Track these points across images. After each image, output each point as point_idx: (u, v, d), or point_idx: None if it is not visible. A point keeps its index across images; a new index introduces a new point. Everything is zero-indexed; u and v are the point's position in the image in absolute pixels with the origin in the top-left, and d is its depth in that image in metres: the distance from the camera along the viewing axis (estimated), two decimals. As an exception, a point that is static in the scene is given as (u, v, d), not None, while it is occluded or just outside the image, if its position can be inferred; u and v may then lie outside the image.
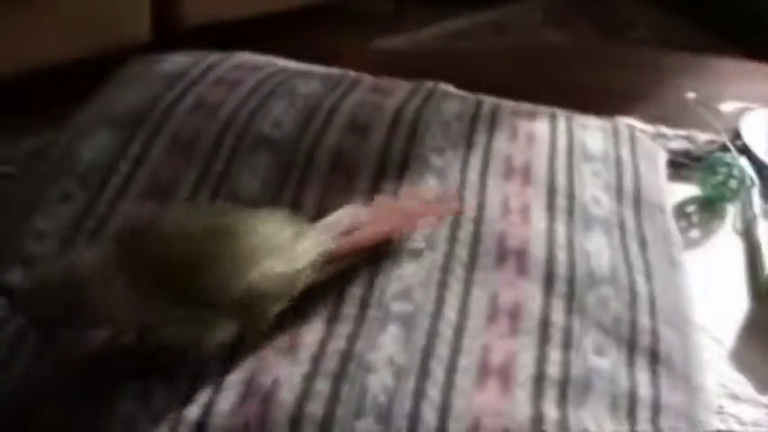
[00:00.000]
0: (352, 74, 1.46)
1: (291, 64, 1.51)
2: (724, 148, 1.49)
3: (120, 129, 1.26)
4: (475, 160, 1.24)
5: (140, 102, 1.31)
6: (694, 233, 1.35)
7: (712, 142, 1.52)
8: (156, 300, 0.91)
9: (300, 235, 1.01)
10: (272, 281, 0.96)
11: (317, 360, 0.96)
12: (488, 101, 1.41)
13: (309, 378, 0.95)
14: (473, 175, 1.21)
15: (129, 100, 1.32)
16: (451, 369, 0.97)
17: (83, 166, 1.21)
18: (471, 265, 1.09)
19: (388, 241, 1.09)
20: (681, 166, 1.47)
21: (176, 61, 1.42)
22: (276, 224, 1.01)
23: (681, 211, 1.38)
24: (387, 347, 0.98)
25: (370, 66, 1.56)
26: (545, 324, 1.04)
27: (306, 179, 1.19)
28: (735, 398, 1.07)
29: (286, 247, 0.99)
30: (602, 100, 1.68)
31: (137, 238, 0.94)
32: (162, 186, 1.18)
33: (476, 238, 1.12)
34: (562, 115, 1.40)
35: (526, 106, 1.43)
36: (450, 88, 1.46)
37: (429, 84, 1.44)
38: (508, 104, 1.41)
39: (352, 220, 1.07)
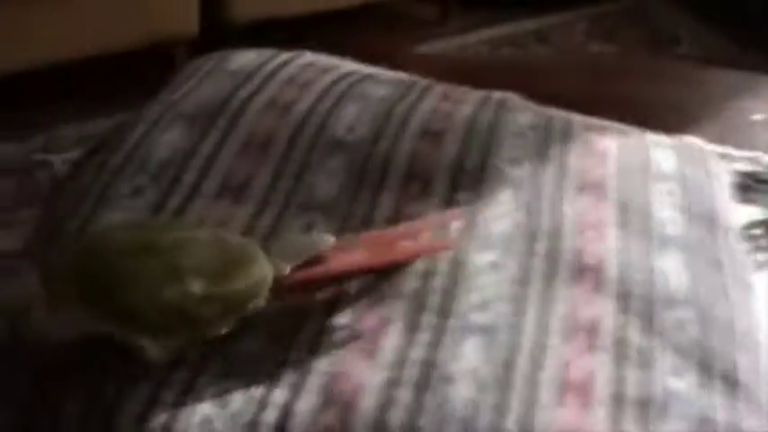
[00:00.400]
0: (422, 80, 1.45)
1: (357, 66, 1.50)
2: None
3: (193, 125, 1.26)
4: (549, 173, 1.23)
5: (213, 98, 1.31)
6: (760, 256, 1.34)
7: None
8: (82, 317, 0.92)
9: (251, 257, 0.99)
10: (200, 301, 0.94)
11: (398, 368, 0.96)
12: (559, 114, 1.40)
13: (391, 386, 0.94)
14: (547, 188, 1.21)
15: (201, 96, 1.32)
16: (532, 383, 0.96)
17: (155, 161, 1.20)
18: (549, 279, 1.08)
19: (352, 276, 1.06)
20: (746, 187, 1.46)
21: (247, 58, 1.42)
22: (218, 244, 0.99)
23: (746, 233, 1.37)
24: (468, 359, 0.97)
25: (428, 70, 1.55)
26: (622, 343, 1.03)
27: (381, 185, 1.18)
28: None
29: (227, 266, 0.97)
30: (662, 116, 1.67)
31: (67, 254, 0.95)
32: (235, 186, 1.17)
33: (552, 253, 1.11)
34: (633, 132, 1.39)
35: (596, 121, 1.41)
36: (518, 99, 1.45)
37: (498, 94, 1.43)
38: (578, 118, 1.40)
39: (315, 249, 1.03)
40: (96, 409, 0.93)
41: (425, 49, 3.06)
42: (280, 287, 0.99)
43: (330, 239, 1.03)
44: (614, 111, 1.52)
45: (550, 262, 1.11)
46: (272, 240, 1.10)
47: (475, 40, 3.26)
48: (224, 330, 0.96)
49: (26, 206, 2.33)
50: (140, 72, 2.84)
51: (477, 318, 1.02)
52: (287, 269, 1.00)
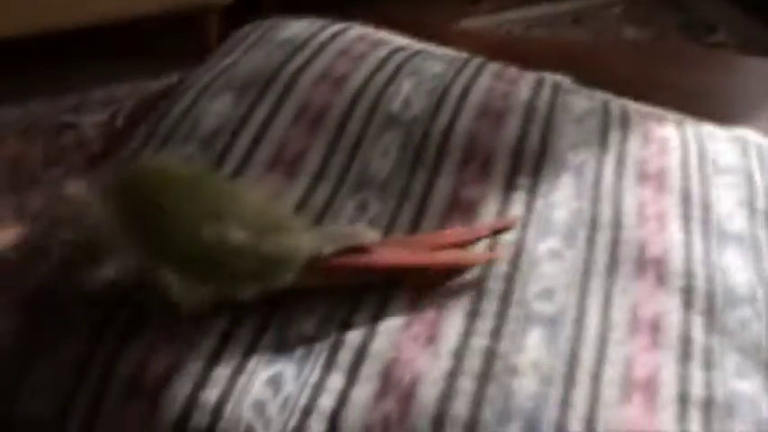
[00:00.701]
0: (474, 58, 1.41)
1: (406, 41, 1.46)
2: None
3: (243, 94, 1.22)
4: (610, 161, 1.19)
5: (264, 67, 1.27)
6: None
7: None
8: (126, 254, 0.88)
9: (294, 229, 0.97)
10: (234, 250, 0.91)
11: (459, 356, 0.92)
12: (614, 100, 1.36)
13: (452, 375, 0.90)
14: (608, 177, 1.17)
15: (252, 64, 1.28)
16: (596, 379, 0.93)
17: (205, 129, 1.17)
18: (611, 271, 1.05)
19: (390, 272, 1.01)
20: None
21: (298, 28, 1.38)
22: (266, 206, 0.98)
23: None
24: (531, 350, 0.94)
25: (472, 47, 1.51)
26: (685, 340, 1.00)
27: (438, 165, 1.15)
28: None
29: (269, 228, 0.94)
30: (706, 105, 1.63)
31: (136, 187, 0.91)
32: (288, 159, 1.14)
33: (614, 244, 1.08)
34: (689, 123, 1.35)
35: (651, 109, 1.37)
36: (569, 82, 1.40)
37: (551, 76, 1.39)
38: (634, 105, 1.36)
39: (359, 240, 1.00)
40: (146, 381, 0.90)
41: (458, 27, 3.00)
42: (315, 266, 0.95)
43: (376, 235, 0.99)
44: (659, 98, 1.48)
45: (612, 253, 1.07)
46: (323, 220, 1.06)
47: (508, 19, 3.21)
48: (250, 295, 0.92)
49: (53, 166, 2.30)
50: (170, 38, 2.81)
51: (540, 307, 0.98)
52: (327, 251, 0.96)
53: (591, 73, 1.49)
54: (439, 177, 1.12)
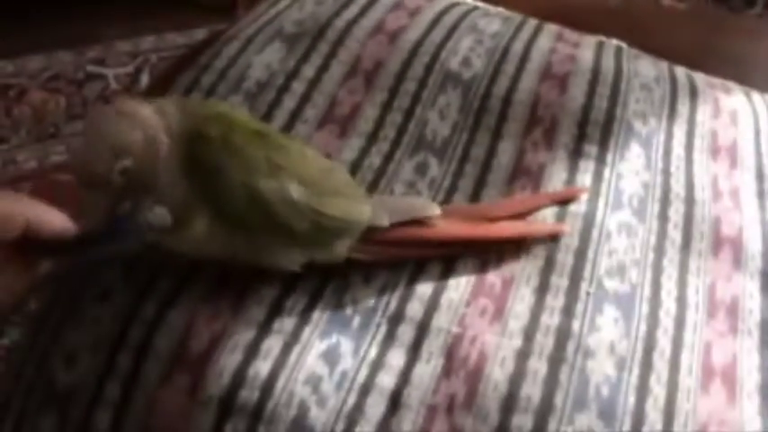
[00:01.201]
0: (529, 18, 1.33)
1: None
2: None
3: (292, 45, 1.15)
4: (679, 132, 1.12)
5: (315, 18, 1.20)
6: None
7: None
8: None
9: (355, 195, 0.89)
10: (291, 206, 0.83)
11: (530, 335, 0.85)
12: (678, 67, 1.28)
13: (523, 355, 0.84)
14: (678, 149, 1.09)
15: (301, 14, 1.21)
16: (674, 366, 0.86)
17: (252, 81, 1.10)
18: (685, 249, 0.98)
19: (450, 246, 0.94)
20: None
21: (348, -21, 1.30)
22: (326, 166, 0.90)
23: None
24: (606, 331, 0.87)
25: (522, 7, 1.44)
26: (766, 326, 0.93)
27: (501, 128, 1.07)
28: None
29: (328, 190, 0.87)
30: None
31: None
32: (340, 116, 1.06)
33: (687, 219, 1.01)
34: (758, 94, 1.27)
35: (716, 80, 1.30)
36: (627, 47, 1.33)
37: (611, 40, 1.31)
38: (700, 75, 1.29)
39: (419, 212, 0.92)
40: (189, 353, 0.83)
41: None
42: (372, 238, 0.88)
43: (436, 208, 0.91)
44: (713, 64, 1.40)
45: (685, 229, 1.00)
46: (380, 181, 0.99)
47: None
48: (298, 265, 0.85)
49: (76, 119, 2.24)
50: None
51: (612, 284, 0.91)
52: (386, 222, 0.88)
53: (643, 39, 1.42)
54: (502, 141, 1.04)
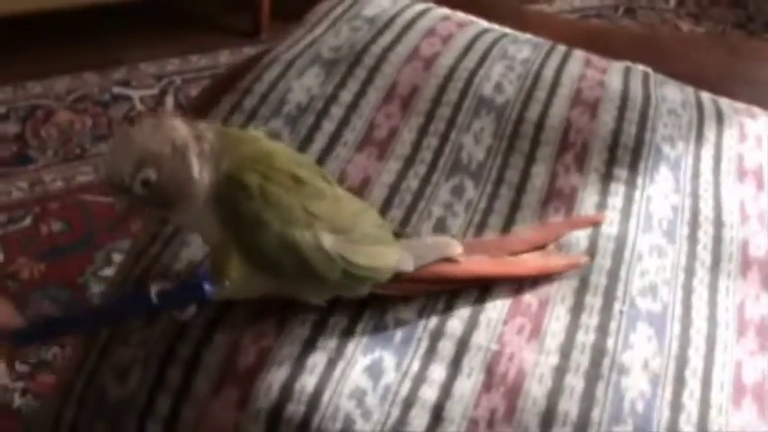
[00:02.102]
0: (558, 44, 1.37)
1: (487, 23, 1.42)
2: None
3: (331, 70, 1.19)
4: (707, 156, 1.15)
5: (352, 43, 1.23)
6: None
7: None
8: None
9: (385, 240, 0.91)
10: (324, 256, 0.86)
11: (566, 352, 0.88)
12: (704, 92, 1.31)
13: (560, 372, 0.87)
14: (706, 172, 1.13)
15: (339, 40, 1.24)
16: (707, 383, 0.89)
17: (292, 105, 1.13)
18: (714, 270, 1.01)
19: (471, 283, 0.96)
20: None
21: (382, 4, 1.34)
22: (359, 210, 0.92)
23: None
24: (639, 348, 0.90)
25: (550, 31, 1.47)
26: (794, 345, 0.96)
27: (534, 153, 1.10)
28: None
29: (361, 237, 0.89)
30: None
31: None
32: (378, 139, 1.10)
33: (716, 241, 1.04)
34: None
35: (740, 104, 1.33)
36: (652, 72, 1.36)
37: (638, 66, 1.35)
38: (724, 100, 1.32)
39: (442, 252, 0.94)
40: (237, 368, 0.86)
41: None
42: (397, 279, 0.91)
43: (459, 247, 0.94)
44: (742, 93, 1.43)
45: (714, 251, 1.03)
46: (418, 204, 1.02)
47: (559, 8, 3.16)
48: (321, 302, 0.88)
49: (101, 141, 2.28)
50: (220, 14, 2.78)
51: (645, 303, 0.94)
52: (411, 267, 0.91)
53: (668, 64, 1.45)
54: (535, 165, 1.08)
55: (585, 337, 0.89)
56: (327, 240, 0.85)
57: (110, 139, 2.26)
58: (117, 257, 1.88)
